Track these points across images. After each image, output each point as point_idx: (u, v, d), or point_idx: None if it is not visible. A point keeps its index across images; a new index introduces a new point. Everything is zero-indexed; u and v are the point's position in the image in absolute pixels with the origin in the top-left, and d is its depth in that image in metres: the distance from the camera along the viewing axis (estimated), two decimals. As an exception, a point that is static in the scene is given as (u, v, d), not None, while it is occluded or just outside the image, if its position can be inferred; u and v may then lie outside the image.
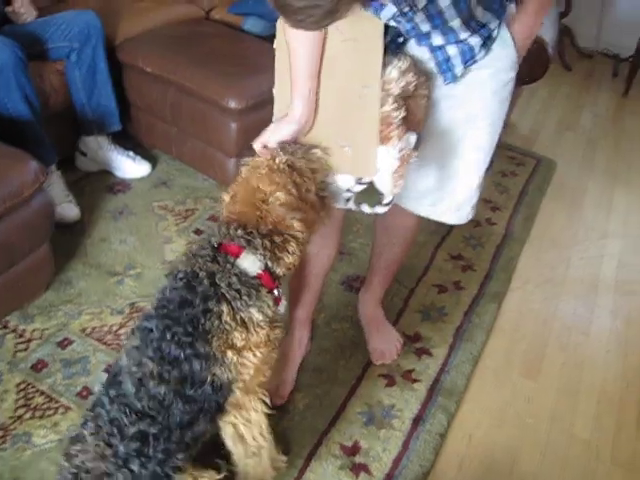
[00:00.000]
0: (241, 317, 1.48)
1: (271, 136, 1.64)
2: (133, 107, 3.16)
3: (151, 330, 1.46)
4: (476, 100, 1.74)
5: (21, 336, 2.26)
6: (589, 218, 3.31)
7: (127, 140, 3.17)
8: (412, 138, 1.63)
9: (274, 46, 1.71)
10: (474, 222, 3.05)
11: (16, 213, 2.16)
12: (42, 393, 2.07)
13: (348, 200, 1.78)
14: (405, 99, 1.64)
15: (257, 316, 1.50)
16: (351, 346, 2.34)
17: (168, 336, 1.44)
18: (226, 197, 1.61)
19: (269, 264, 1.53)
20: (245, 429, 1.67)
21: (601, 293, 2.81)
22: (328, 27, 1.52)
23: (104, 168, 3.08)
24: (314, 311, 2.27)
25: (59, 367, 2.17)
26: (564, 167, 3.71)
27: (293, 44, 1.59)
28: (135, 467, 1.40)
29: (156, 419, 1.42)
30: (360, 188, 1.73)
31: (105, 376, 1.98)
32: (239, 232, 1.51)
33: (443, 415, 2.14)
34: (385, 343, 2.34)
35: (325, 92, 1.65)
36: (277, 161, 1.55)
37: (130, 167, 3.06)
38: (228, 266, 1.48)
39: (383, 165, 1.63)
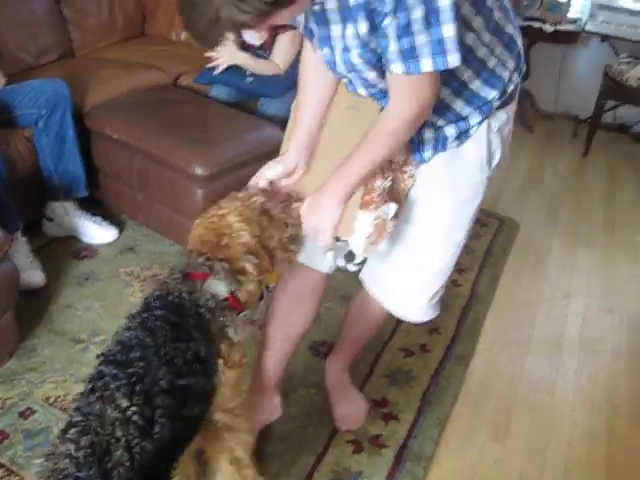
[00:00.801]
0: (223, 331, 1.54)
1: (264, 171, 1.75)
2: (101, 173, 3.18)
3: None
4: (435, 186, 1.75)
5: (-18, 406, 2.22)
6: (553, 277, 3.37)
7: (94, 206, 3.19)
8: (392, 208, 1.68)
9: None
10: (440, 283, 3.08)
11: (-21, 282, 2.15)
12: (1, 466, 2.03)
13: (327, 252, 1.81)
14: (392, 170, 1.69)
15: (232, 336, 1.56)
16: (318, 413, 2.33)
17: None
18: (195, 222, 1.68)
19: (232, 289, 1.57)
20: (241, 452, 1.70)
21: (566, 352, 2.85)
22: (336, 95, 1.69)
23: (71, 233, 3.08)
24: (279, 378, 2.18)
25: (20, 438, 2.12)
26: (527, 227, 3.79)
27: (299, 94, 1.73)
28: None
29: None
30: (337, 245, 1.75)
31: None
32: (200, 260, 1.56)
33: (411, 481, 2.13)
34: (351, 409, 2.32)
35: (322, 151, 1.76)
36: (252, 199, 1.64)
37: (97, 233, 3.07)
38: (198, 287, 1.53)
39: (359, 228, 1.67)
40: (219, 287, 1.56)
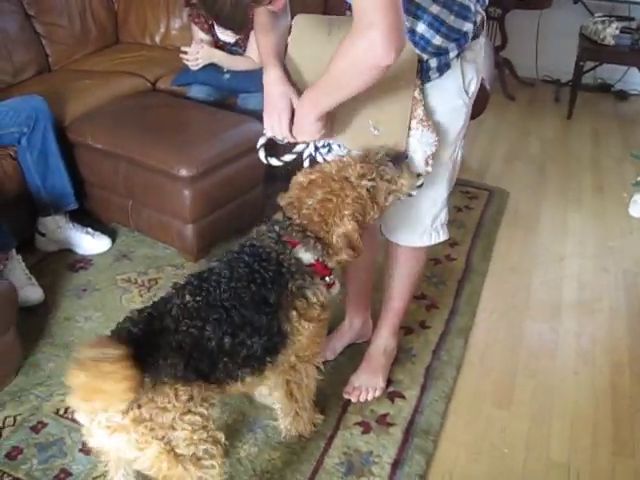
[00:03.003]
0: (302, 292, 1.77)
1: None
2: (87, 184, 3.19)
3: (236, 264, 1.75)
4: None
5: (-7, 426, 2.25)
6: (546, 242, 3.39)
7: (84, 217, 3.20)
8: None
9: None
10: (434, 260, 3.11)
11: (-22, 303, 2.17)
12: (18, 481, 2.06)
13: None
14: None
15: (311, 297, 1.79)
16: (324, 397, 2.34)
17: (254, 275, 1.72)
18: (302, 179, 1.81)
19: (320, 258, 1.78)
20: (296, 389, 2.01)
21: (564, 315, 2.88)
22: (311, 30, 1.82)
23: (64, 247, 3.10)
24: (365, 301, 2.53)
25: (34, 452, 2.15)
26: (517, 195, 3.81)
27: (260, 44, 1.93)
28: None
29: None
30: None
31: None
32: (298, 235, 1.76)
33: (421, 456, 2.16)
34: (366, 383, 2.36)
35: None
36: (363, 184, 1.76)
37: (90, 243, 3.08)
38: (287, 251, 1.76)
39: (422, 146, 1.83)
40: (306, 255, 1.77)
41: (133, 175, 2.96)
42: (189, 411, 1.56)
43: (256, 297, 1.69)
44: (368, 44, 1.47)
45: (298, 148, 1.98)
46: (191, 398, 1.56)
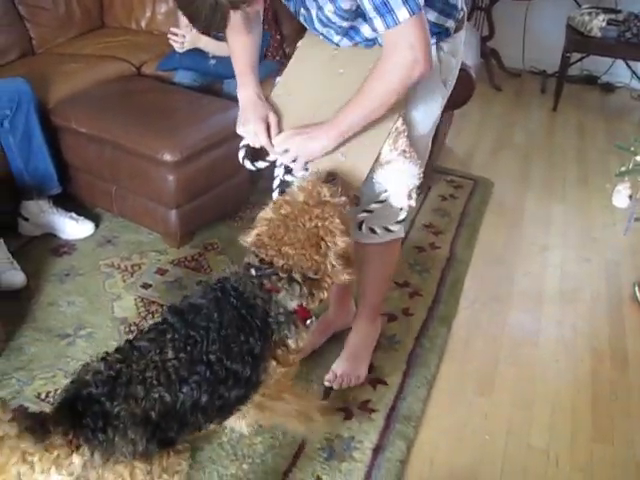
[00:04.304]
0: (284, 340, 1.69)
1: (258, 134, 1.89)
2: (71, 168, 3.17)
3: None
4: None
5: (-26, 410, 2.23)
6: (529, 233, 3.41)
7: (68, 201, 3.18)
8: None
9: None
10: (418, 248, 3.12)
11: (-42, 287, 2.15)
12: None
13: (361, 224, 1.90)
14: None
15: (292, 345, 1.71)
16: (305, 383, 2.36)
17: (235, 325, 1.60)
18: (272, 214, 1.69)
19: (304, 302, 1.69)
20: (267, 405, 1.87)
21: (547, 304, 2.90)
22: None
23: (47, 231, 3.08)
24: (347, 290, 2.51)
25: (15, 437, 2.15)
26: (501, 185, 3.82)
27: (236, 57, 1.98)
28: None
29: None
30: (377, 207, 1.86)
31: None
32: (282, 281, 1.65)
33: (402, 442, 2.17)
34: (348, 371, 2.36)
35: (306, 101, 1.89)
36: (338, 201, 1.69)
37: (73, 228, 3.07)
38: (272, 300, 1.66)
39: (405, 179, 1.80)
40: (289, 302, 1.67)
41: (117, 160, 2.94)
42: None
43: (244, 348, 1.59)
44: (413, 60, 1.60)
45: (272, 157, 1.94)
46: (150, 472, 1.43)
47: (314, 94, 1.91)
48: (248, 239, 1.70)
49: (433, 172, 3.60)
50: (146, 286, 2.80)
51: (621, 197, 3.60)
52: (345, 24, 1.76)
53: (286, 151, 1.82)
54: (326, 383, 2.34)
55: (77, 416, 1.36)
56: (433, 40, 1.77)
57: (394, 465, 2.09)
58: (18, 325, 2.58)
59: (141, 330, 1.61)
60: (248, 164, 1.98)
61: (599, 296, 2.96)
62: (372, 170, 1.82)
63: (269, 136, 1.87)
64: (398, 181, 1.80)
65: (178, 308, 1.61)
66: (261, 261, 1.67)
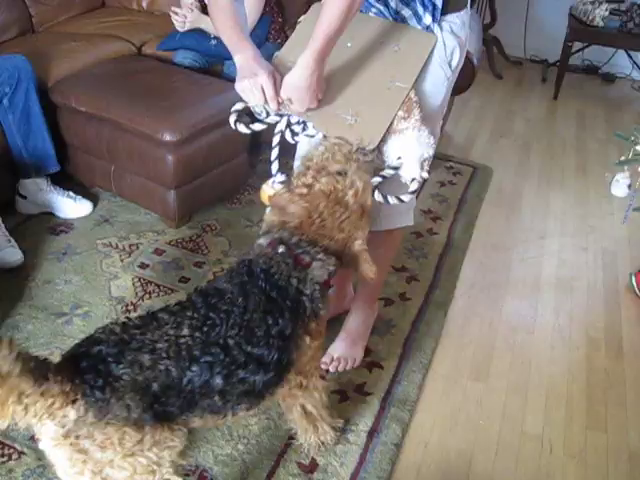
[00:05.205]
0: (317, 313, 1.67)
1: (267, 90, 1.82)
2: (70, 147, 3.16)
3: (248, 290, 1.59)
4: None
5: (-31, 385, 2.23)
6: (527, 220, 3.41)
7: (66, 180, 3.17)
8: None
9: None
10: (416, 233, 3.12)
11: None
12: (-2, 442, 2.05)
13: (374, 190, 1.86)
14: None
15: (323, 314, 1.71)
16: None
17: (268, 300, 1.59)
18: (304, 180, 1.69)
19: (332, 271, 1.69)
20: (312, 407, 1.91)
21: (543, 292, 2.90)
22: (385, 42, 1.85)
23: (45, 210, 3.07)
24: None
25: (11, 414, 2.15)
26: (500, 173, 3.82)
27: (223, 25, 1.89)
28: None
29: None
30: (391, 172, 1.83)
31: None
32: (313, 252, 1.66)
33: (397, 425, 2.18)
34: (345, 354, 2.37)
35: (354, 78, 1.86)
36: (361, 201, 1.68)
37: (71, 207, 3.06)
38: (306, 276, 1.64)
39: (420, 149, 1.78)
40: (320, 273, 1.66)
41: (116, 139, 2.93)
42: (133, 454, 1.43)
43: (274, 330, 1.57)
44: None
45: (270, 119, 1.91)
46: (140, 441, 1.42)
47: None
48: (287, 218, 1.68)
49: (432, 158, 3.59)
50: (143, 266, 2.80)
51: (620, 186, 3.60)
52: None
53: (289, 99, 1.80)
54: (323, 366, 2.35)
55: (80, 370, 1.37)
56: (429, 17, 1.84)
57: (389, 448, 2.10)
58: (14, 303, 2.57)
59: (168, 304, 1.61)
60: (242, 127, 1.92)
61: (595, 285, 2.97)
62: (386, 137, 1.81)
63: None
64: (412, 149, 1.77)
65: (204, 290, 1.61)
66: (296, 235, 1.67)
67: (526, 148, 4.19)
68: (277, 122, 1.92)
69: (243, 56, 1.85)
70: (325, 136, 1.83)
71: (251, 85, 1.82)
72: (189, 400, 1.48)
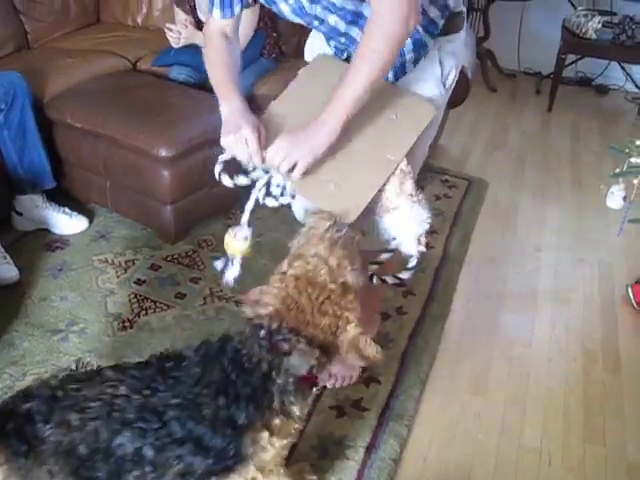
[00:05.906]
0: (286, 409, 1.52)
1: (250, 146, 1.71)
2: (66, 163, 3.16)
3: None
4: None
5: (-35, 404, 2.22)
6: (523, 233, 3.42)
7: (62, 196, 3.16)
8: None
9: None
10: (412, 247, 3.12)
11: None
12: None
13: (371, 277, 1.83)
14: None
15: (296, 413, 1.55)
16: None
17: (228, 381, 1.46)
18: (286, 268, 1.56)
19: (315, 368, 1.53)
20: None
21: (540, 304, 2.91)
22: (383, 109, 1.77)
23: (41, 226, 3.06)
24: None
25: (7, 431, 2.14)
26: (496, 186, 3.83)
27: (216, 70, 1.88)
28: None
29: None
30: (387, 257, 1.80)
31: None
32: (285, 332, 1.49)
33: (395, 440, 2.17)
34: (342, 371, 2.35)
35: (345, 143, 1.71)
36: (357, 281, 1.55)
37: (67, 223, 3.05)
38: (281, 362, 1.49)
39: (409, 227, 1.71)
40: (298, 364, 1.50)
41: (112, 155, 2.94)
42: None
43: (220, 414, 1.43)
44: (407, 4, 1.54)
45: (254, 175, 1.78)
46: None
47: (311, 118, 1.75)
48: (260, 311, 1.53)
49: (427, 171, 3.60)
50: (140, 282, 2.80)
51: (615, 199, 3.61)
52: (350, 6, 1.67)
53: (284, 158, 1.65)
54: (320, 383, 2.34)
55: (5, 433, 1.31)
56: (430, 40, 1.79)
57: (387, 464, 2.09)
58: (10, 320, 2.56)
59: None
60: (226, 180, 1.80)
61: (592, 297, 2.97)
62: (379, 217, 1.74)
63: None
64: (407, 228, 1.70)
65: (164, 353, 1.52)
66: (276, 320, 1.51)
67: (521, 161, 4.20)
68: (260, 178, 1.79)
69: (229, 108, 1.79)
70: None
71: (236, 140, 1.72)
72: (119, 467, 1.37)
